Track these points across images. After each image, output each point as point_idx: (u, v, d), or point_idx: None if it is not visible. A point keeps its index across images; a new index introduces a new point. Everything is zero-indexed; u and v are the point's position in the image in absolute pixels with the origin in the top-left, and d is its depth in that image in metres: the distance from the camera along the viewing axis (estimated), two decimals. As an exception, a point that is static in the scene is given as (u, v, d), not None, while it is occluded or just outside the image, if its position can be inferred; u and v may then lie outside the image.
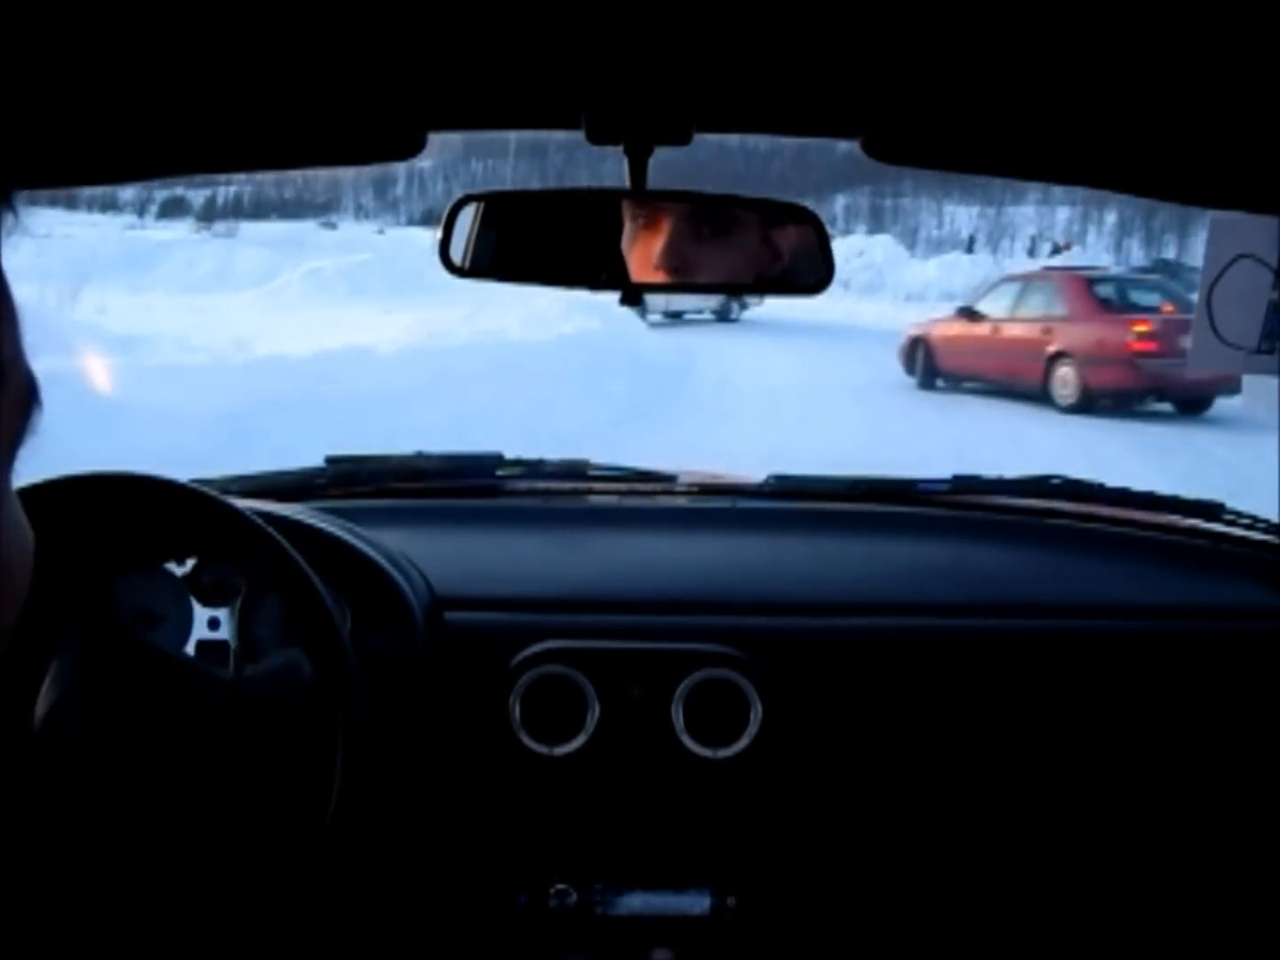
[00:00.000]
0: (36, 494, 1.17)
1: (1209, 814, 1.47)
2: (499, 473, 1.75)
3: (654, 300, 20.24)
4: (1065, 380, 11.86)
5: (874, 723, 1.44)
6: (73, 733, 1.14)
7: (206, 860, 1.18)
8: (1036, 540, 1.67)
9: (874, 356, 14.27)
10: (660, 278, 1.24)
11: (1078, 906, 1.47)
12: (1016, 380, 12.27)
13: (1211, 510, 1.68)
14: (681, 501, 1.75)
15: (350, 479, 1.70)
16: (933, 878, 1.47)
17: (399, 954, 1.45)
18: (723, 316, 23.12)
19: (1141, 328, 11.64)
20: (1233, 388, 11.31)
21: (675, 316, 22.02)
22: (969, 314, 13.32)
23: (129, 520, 1.26)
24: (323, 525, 1.35)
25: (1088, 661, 1.48)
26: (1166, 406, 11.77)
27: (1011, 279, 14.18)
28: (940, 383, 13.17)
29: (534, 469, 1.76)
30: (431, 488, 1.73)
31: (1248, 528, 1.67)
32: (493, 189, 1.23)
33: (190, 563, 1.36)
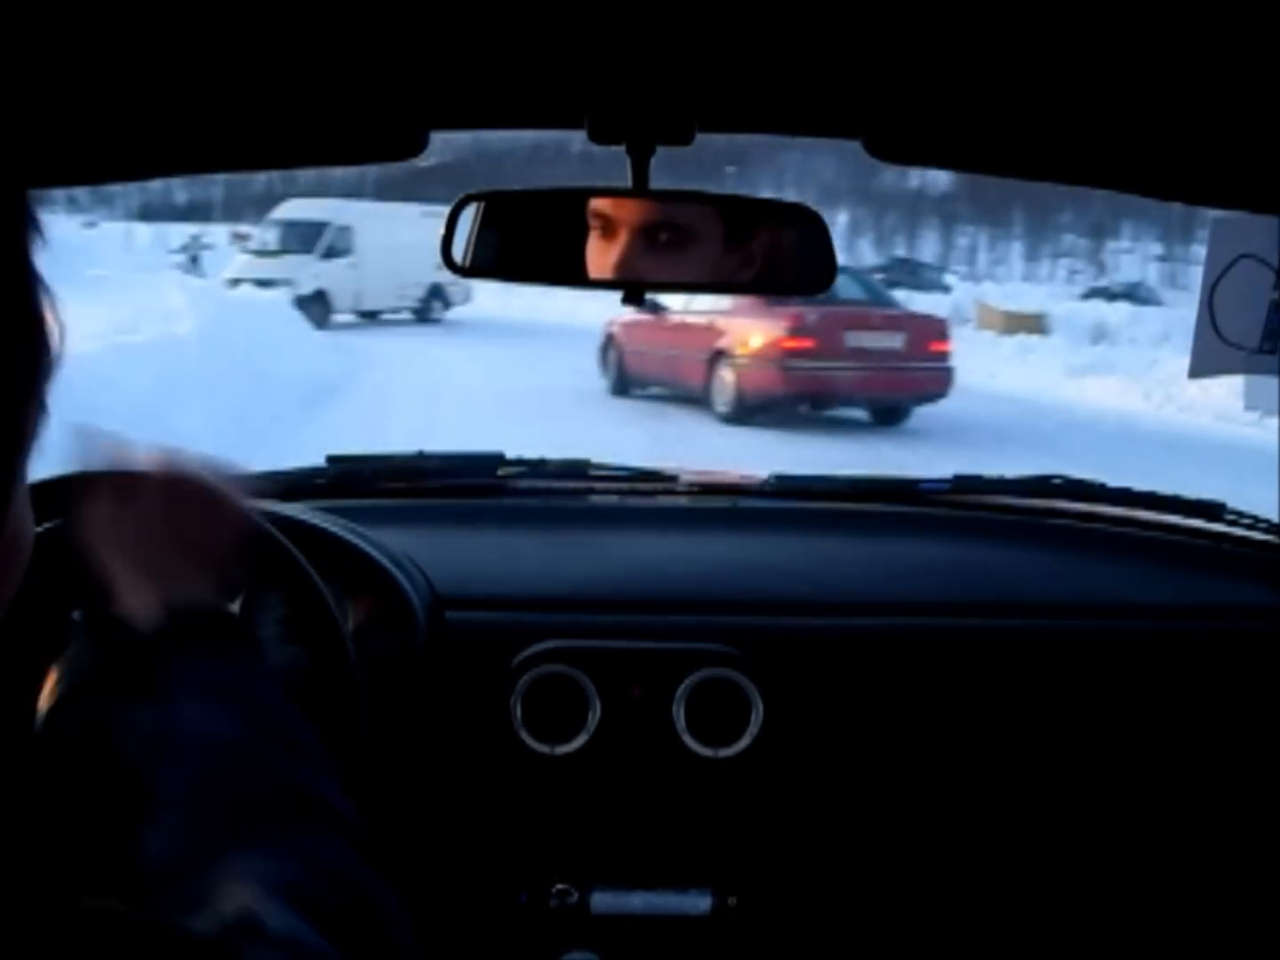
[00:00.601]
0: (41, 490, 1.17)
1: (1209, 813, 1.47)
2: (500, 472, 1.75)
3: (340, 299, 19.09)
4: (724, 384, 10.28)
5: (875, 722, 1.44)
6: (72, 731, 1.14)
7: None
8: (1038, 540, 1.67)
9: (584, 362, 12.32)
10: (661, 277, 1.24)
11: (1078, 905, 1.47)
12: (685, 384, 10.77)
13: (1212, 510, 1.68)
14: (682, 501, 1.75)
15: (351, 478, 1.70)
16: (934, 877, 1.47)
17: None
18: (423, 316, 21.13)
19: (789, 323, 9.94)
20: (932, 394, 10.49)
21: (369, 316, 20.44)
22: (651, 307, 11.10)
23: None
24: (324, 525, 1.35)
25: (1088, 661, 1.48)
26: (862, 414, 10.59)
27: None
28: (637, 389, 11.43)
29: (535, 468, 1.76)
30: (432, 487, 1.73)
31: (1249, 528, 1.67)
32: (494, 188, 1.22)
33: None
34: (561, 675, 1.38)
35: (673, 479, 1.77)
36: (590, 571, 1.54)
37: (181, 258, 26.68)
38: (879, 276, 28.31)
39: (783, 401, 10.09)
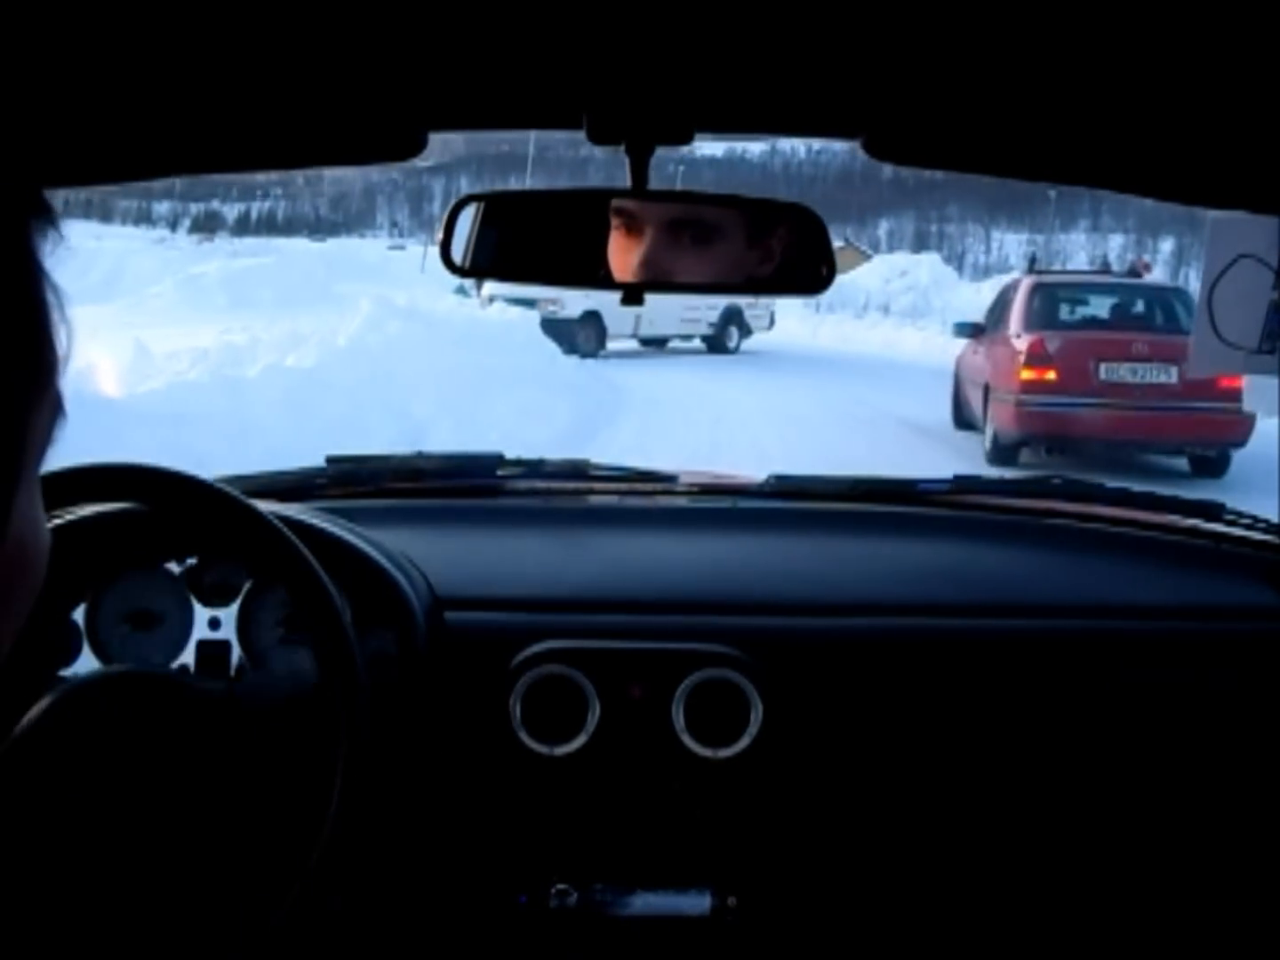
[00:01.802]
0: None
1: (1209, 814, 1.47)
2: (499, 472, 1.75)
3: (617, 323, 16.05)
4: (990, 420, 9.09)
5: (875, 723, 1.44)
6: (58, 739, 1.14)
7: (205, 865, 1.17)
8: (1037, 540, 1.67)
9: (909, 408, 10.35)
10: (661, 277, 1.24)
11: (1079, 907, 1.47)
12: (979, 418, 9.54)
13: (1212, 510, 1.68)
14: (682, 501, 1.75)
15: (350, 479, 1.70)
16: (933, 878, 1.47)
17: (400, 955, 1.45)
18: (716, 345, 18.10)
19: (1028, 349, 8.64)
20: (1222, 441, 8.35)
21: (654, 344, 17.53)
22: (974, 330, 9.98)
23: (136, 513, 1.25)
24: (323, 525, 1.35)
25: (1088, 662, 1.48)
26: (1183, 464, 8.89)
27: (1006, 286, 10.81)
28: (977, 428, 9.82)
29: (534, 469, 1.76)
30: (432, 487, 1.73)
31: (1248, 528, 1.67)
32: (494, 189, 1.23)
33: (190, 562, 1.36)
34: (561, 676, 1.38)
35: (672, 479, 1.77)
36: (589, 572, 1.54)
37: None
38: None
39: (1025, 443, 8.76)
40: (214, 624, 1.35)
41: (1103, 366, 8.62)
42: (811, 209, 1.22)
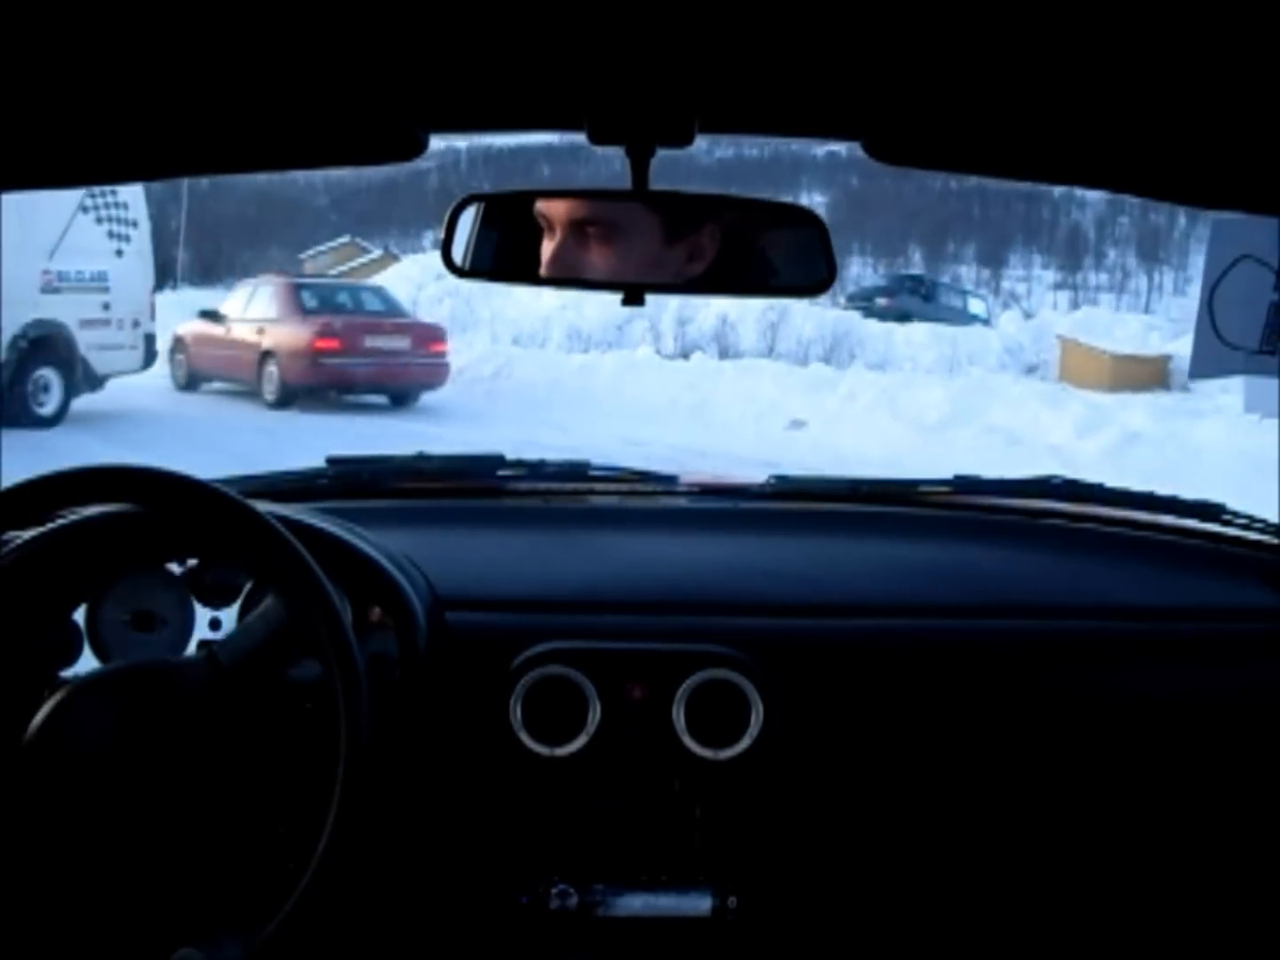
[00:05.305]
0: (39, 488, 1.17)
1: (1209, 815, 1.47)
2: (500, 473, 1.75)
3: None
4: (271, 376, 13.15)
5: (875, 724, 1.44)
6: (69, 741, 1.15)
7: (205, 864, 1.18)
8: (1037, 541, 1.67)
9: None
10: (661, 279, 1.24)
11: (1081, 909, 1.47)
12: (242, 378, 13.63)
13: (1210, 510, 1.68)
14: (682, 502, 1.75)
15: (351, 480, 1.70)
16: (934, 879, 1.47)
17: (400, 955, 1.45)
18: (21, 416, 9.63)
19: (320, 328, 13.00)
20: (433, 384, 13.51)
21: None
22: (210, 315, 14.31)
23: (137, 514, 1.25)
24: (324, 525, 1.35)
25: (1088, 663, 1.48)
26: (383, 400, 13.64)
27: (246, 283, 15.20)
28: (204, 384, 14.22)
29: (535, 470, 1.77)
30: (433, 488, 1.73)
31: (1246, 528, 1.67)
32: (495, 189, 1.23)
33: (191, 563, 1.36)
34: (561, 677, 1.38)
35: (672, 480, 1.78)
36: (590, 573, 1.54)
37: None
38: (882, 303, 23.61)
39: (316, 389, 13.02)
40: (214, 624, 1.35)
41: (367, 338, 13.10)
42: (811, 210, 1.22)
